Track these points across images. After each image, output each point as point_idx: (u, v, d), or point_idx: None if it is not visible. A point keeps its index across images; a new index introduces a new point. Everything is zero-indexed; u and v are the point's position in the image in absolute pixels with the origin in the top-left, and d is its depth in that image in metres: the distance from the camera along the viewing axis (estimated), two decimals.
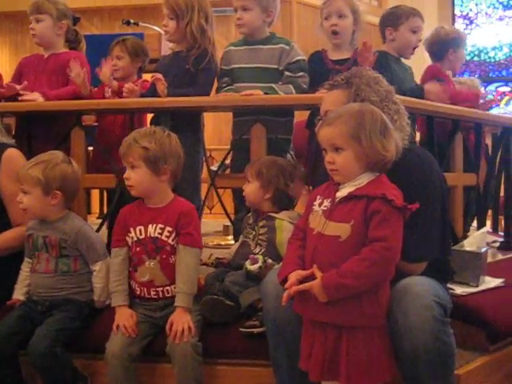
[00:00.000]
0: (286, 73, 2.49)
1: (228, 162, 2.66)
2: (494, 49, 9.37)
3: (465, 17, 9.19)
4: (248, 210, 2.16)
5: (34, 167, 1.93)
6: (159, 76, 2.40)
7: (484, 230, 2.30)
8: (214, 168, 2.75)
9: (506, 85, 9.45)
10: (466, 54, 9.16)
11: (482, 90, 3.86)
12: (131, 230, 1.90)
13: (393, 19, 2.87)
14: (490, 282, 2.25)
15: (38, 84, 2.64)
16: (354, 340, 1.45)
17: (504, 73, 9.44)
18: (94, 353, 1.89)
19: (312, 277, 1.46)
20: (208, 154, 4.76)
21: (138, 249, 1.89)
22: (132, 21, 3.93)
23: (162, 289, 1.88)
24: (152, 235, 1.87)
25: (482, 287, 2.18)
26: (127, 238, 1.91)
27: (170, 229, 1.87)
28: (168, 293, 1.88)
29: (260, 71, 2.53)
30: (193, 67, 2.47)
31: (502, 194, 3.29)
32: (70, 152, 2.37)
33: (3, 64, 6.98)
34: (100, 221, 2.67)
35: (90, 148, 2.85)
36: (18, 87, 2.56)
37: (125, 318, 1.83)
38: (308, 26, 5.94)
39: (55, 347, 1.79)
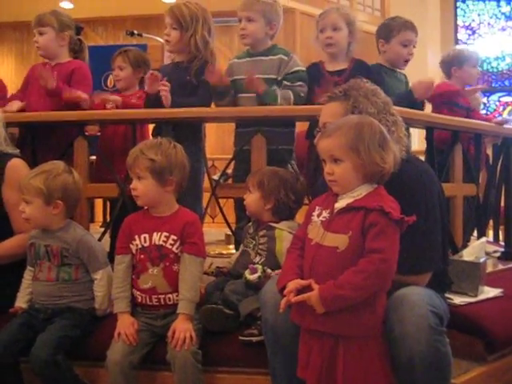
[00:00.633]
0: (284, 82, 2.52)
1: (230, 171, 2.68)
2: (496, 59, 9.40)
3: (467, 27, 9.23)
4: (249, 220, 2.18)
5: (35, 177, 1.96)
6: (165, 83, 2.43)
7: (483, 240, 2.31)
8: (216, 177, 2.77)
9: (509, 95, 9.46)
10: None
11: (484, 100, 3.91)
12: (136, 237, 1.93)
13: (385, 32, 2.91)
14: (489, 292, 2.27)
15: (43, 92, 2.66)
16: (350, 349, 1.46)
17: (507, 83, 9.46)
18: (95, 360, 1.90)
19: (310, 287, 1.48)
20: (211, 164, 4.80)
21: (142, 256, 1.91)
22: (136, 32, 3.98)
23: (163, 296, 1.90)
24: (157, 243, 1.90)
25: (480, 297, 2.20)
26: (131, 246, 1.94)
27: (174, 237, 1.90)
28: (170, 300, 1.90)
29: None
30: (194, 78, 2.50)
31: (502, 204, 3.31)
32: (73, 162, 2.40)
33: (9, 73, 7.05)
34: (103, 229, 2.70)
35: (93, 157, 2.87)
36: (17, 106, 2.61)
37: (126, 325, 1.86)
38: (311, 36, 5.96)
39: (57, 355, 1.81)
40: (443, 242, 1.75)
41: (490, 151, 3.49)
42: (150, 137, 2.68)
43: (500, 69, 9.48)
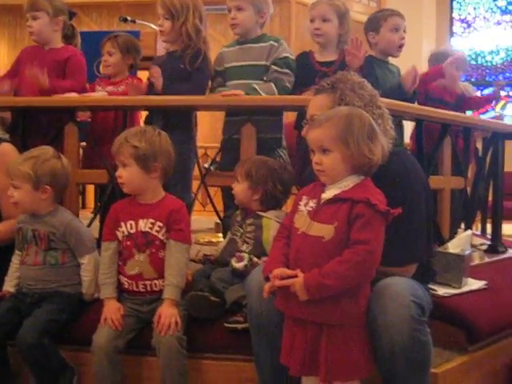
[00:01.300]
0: (273, 67, 2.53)
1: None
2: (491, 53, 9.41)
3: (463, 20, 9.22)
4: (237, 208, 2.20)
5: (24, 162, 1.97)
6: (156, 70, 2.44)
7: (469, 232, 2.34)
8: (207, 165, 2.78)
9: (502, 89, 9.49)
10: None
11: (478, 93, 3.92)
12: (122, 224, 1.94)
13: (373, 23, 2.91)
14: (473, 285, 2.29)
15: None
16: (333, 337, 1.48)
17: (501, 77, 9.49)
18: (82, 345, 1.92)
19: (295, 276, 1.49)
20: (204, 152, 4.81)
21: (128, 243, 1.93)
22: (129, 18, 3.96)
23: (150, 282, 1.92)
24: (143, 229, 1.92)
25: (464, 289, 2.22)
26: (118, 233, 1.95)
27: (160, 224, 1.92)
28: (156, 287, 1.92)
29: (249, 68, 2.58)
30: (188, 66, 2.50)
31: (490, 197, 3.34)
32: (64, 147, 2.40)
33: (1, 57, 6.99)
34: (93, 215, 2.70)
35: (84, 143, 2.87)
36: (8, 85, 2.60)
37: (112, 311, 1.87)
38: (306, 26, 5.98)
39: (43, 338, 1.82)
40: (428, 235, 1.77)
41: (479, 145, 3.52)
42: (142, 125, 2.69)
43: (494, 63, 9.50)
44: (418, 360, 1.52)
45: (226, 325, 1.88)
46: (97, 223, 2.50)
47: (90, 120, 2.89)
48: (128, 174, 1.91)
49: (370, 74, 2.41)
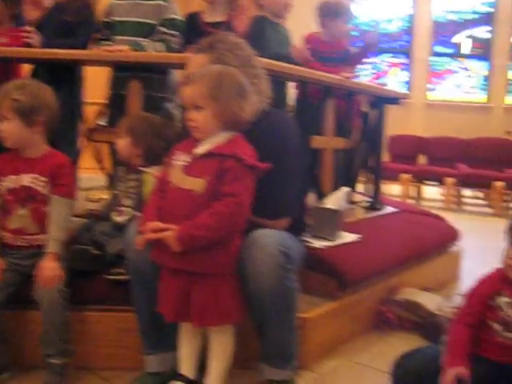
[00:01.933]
0: (161, 28, 2.53)
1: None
2: (387, 21, 9.77)
3: None
4: (121, 164, 2.22)
5: None
6: (27, 29, 2.37)
7: (345, 189, 2.49)
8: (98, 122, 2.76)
9: (396, 56, 9.91)
10: (362, 25, 9.54)
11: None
12: (4, 178, 1.91)
13: None
14: (347, 238, 2.47)
15: None
16: (204, 286, 1.57)
17: (395, 45, 9.88)
18: None
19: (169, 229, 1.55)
20: (92, 108, 4.69)
21: (10, 197, 1.90)
22: None
23: (31, 237, 1.91)
24: (25, 184, 1.90)
25: (338, 242, 2.39)
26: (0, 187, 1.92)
27: (43, 179, 1.90)
28: (37, 241, 1.91)
29: (138, 25, 2.57)
30: (73, 18, 2.45)
31: None
32: None
33: None
34: None
35: None
36: None
37: None
38: None
39: None
40: (301, 190, 1.89)
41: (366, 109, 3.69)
42: None
43: (389, 31, 9.87)
44: (284, 305, 1.64)
45: (108, 277, 1.92)
46: None
47: None
48: (9, 128, 1.87)
49: (259, 35, 2.47)
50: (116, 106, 2.52)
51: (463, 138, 7.28)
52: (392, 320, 2.37)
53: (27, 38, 2.36)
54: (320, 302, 2.14)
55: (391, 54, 9.93)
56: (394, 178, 6.86)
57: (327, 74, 2.79)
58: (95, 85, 2.82)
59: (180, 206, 1.57)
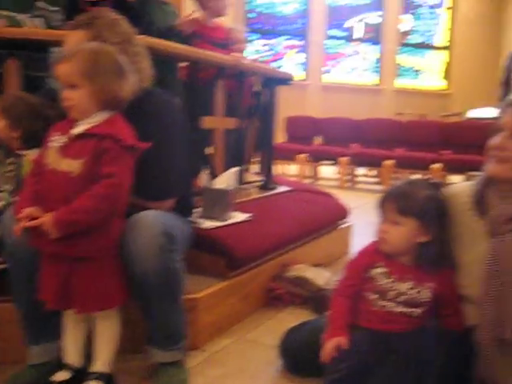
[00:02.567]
0: (40, 3, 2.41)
1: None
2: (284, 4, 9.90)
3: None
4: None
5: None
6: None
7: (235, 169, 2.50)
8: None
9: (293, 38, 10.09)
10: (258, 6, 9.60)
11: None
12: None
13: None
14: (238, 217, 2.49)
15: None
16: (85, 270, 1.52)
17: (291, 27, 10.05)
18: None
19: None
20: None
21: None
22: None
23: None
24: None
25: (229, 221, 2.40)
26: None
27: None
28: None
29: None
30: None
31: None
32: None
33: None
34: None
35: None
36: None
37: None
38: None
39: None
40: (186, 170, 1.87)
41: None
42: None
43: (285, 13, 10.01)
44: (169, 286, 1.63)
45: None
46: None
47: None
48: None
49: (143, 13, 2.41)
50: None
51: (356, 119, 7.56)
52: (283, 296, 2.42)
53: None
54: (211, 282, 2.14)
55: (287, 36, 10.09)
56: (291, 158, 7.02)
57: (217, 54, 2.78)
58: None
59: (57, 189, 1.51)
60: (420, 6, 11.01)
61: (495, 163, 1.50)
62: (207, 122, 2.76)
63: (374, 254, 1.63)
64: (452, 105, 10.63)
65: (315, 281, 2.47)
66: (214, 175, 2.79)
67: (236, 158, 3.18)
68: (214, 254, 2.21)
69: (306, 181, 7.03)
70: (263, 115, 3.41)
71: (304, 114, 8.25)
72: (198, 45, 3.12)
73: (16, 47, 2.23)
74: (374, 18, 10.75)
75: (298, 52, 10.16)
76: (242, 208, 2.63)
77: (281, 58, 9.96)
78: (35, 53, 2.35)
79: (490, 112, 7.70)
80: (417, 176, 5.87)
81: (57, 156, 1.53)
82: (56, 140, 1.56)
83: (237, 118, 3.06)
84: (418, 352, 1.55)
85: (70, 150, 1.52)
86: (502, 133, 1.49)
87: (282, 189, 3.44)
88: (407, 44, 11.02)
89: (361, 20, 10.67)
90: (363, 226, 3.62)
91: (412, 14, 10.97)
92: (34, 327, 1.73)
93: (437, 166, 6.28)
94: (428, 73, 11.24)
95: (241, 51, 3.27)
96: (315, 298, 2.38)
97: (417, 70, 11.18)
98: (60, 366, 1.67)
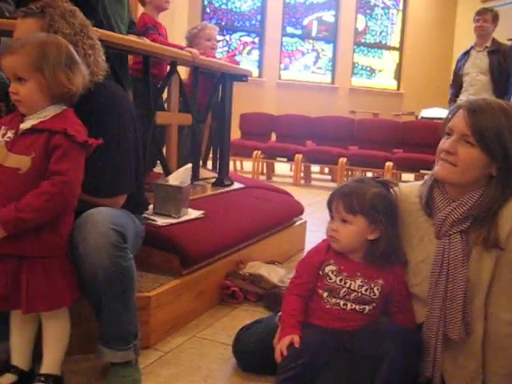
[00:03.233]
0: None
1: None
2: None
3: None
4: None
5: None
6: None
7: (188, 166, 2.47)
8: None
9: (249, 35, 10.08)
10: (215, 1, 9.54)
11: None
12: None
13: None
14: (192, 214, 2.47)
15: None
16: (34, 269, 1.47)
17: (247, 23, 10.04)
18: None
19: None
20: None
21: None
22: None
23: None
24: None
25: (183, 218, 2.38)
26: None
27: None
28: None
29: None
30: None
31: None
32: None
33: None
34: None
35: None
36: None
37: None
38: None
39: None
40: (137, 166, 1.83)
41: None
42: None
43: (243, 9, 9.99)
44: (120, 285, 1.59)
45: None
46: None
47: None
48: None
49: (96, 4, 2.36)
50: None
51: (312, 117, 7.61)
52: (237, 293, 2.42)
53: None
54: (164, 279, 2.11)
55: (243, 33, 10.08)
56: (247, 155, 7.01)
57: (172, 49, 2.75)
58: None
59: (3, 186, 1.46)
60: (376, 6, 11.18)
61: (443, 166, 1.52)
62: (161, 118, 2.72)
63: (325, 252, 1.64)
64: (403, 105, 10.86)
65: (270, 278, 2.47)
66: (167, 171, 2.77)
67: (191, 154, 3.16)
68: (168, 252, 2.18)
69: (261, 178, 7.04)
70: (219, 111, 3.40)
71: (261, 110, 8.25)
72: (152, 36, 3.09)
73: None
74: (328, 16, 10.84)
75: (253, 49, 10.16)
76: (196, 205, 2.60)
77: (237, 55, 9.93)
78: None
79: (441, 112, 7.90)
80: (369, 174, 5.97)
81: (4, 151, 1.48)
82: (3, 135, 1.51)
83: (192, 113, 3.03)
84: (369, 349, 1.58)
85: (18, 146, 1.47)
86: (451, 136, 1.52)
87: (237, 185, 3.43)
88: (363, 43, 11.17)
89: (316, 18, 10.74)
90: (317, 223, 3.66)
91: (367, 14, 11.12)
92: None
93: (389, 164, 6.40)
94: (382, 72, 11.42)
95: (212, 49, 3.27)
96: (269, 295, 2.38)
97: (372, 70, 11.34)
98: (7, 367, 1.62)
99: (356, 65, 11.15)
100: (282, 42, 10.34)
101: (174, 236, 2.20)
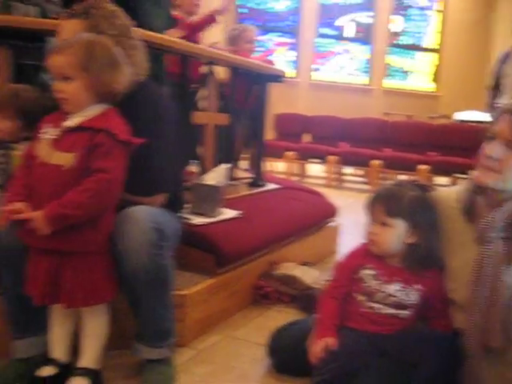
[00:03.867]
0: None
1: None
2: (275, 0, 9.87)
3: None
4: None
5: None
6: None
7: (225, 166, 2.49)
8: None
9: (283, 36, 10.08)
10: (250, 2, 9.56)
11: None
12: None
13: None
14: (228, 214, 2.48)
15: None
16: (74, 265, 1.50)
17: (282, 24, 10.03)
18: None
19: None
20: None
21: None
22: None
23: None
24: None
25: (218, 218, 2.40)
26: None
27: None
28: None
29: None
30: None
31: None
32: None
33: None
34: None
35: None
36: None
37: None
38: None
39: None
40: (179, 166, 1.86)
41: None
42: None
43: (276, 10, 9.99)
44: (158, 282, 1.61)
45: None
46: None
47: None
48: None
49: (139, 7, 2.39)
50: None
51: (345, 118, 7.57)
52: (271, 294, 2.42)
53: None
54: (199, 278, 2.13)
55: (278, 33, 10.08)
56: (279, 155, 7.01)
57: (209, 49, 2.76)
58: None
59: (48, 183, 1.49)
60: (410, 7, 11.05)
61: (485, 172, 1.49)
62: (198, 118, 2.74)
63: (364, 255, 1.63)
64: (439, 107, 10.71)
65: (303, 279, 2.47)
66: (204, 171, 2.78)
67: (226, 154, 3.18)
68: (203, 251, 2.20)
69: (294, 178, 7.03)
70: (254, 112, 3.41)
71: (294, 111, 8.24)
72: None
73: (7, 36, 2.20)
74: (364, 17, 10.77)
75: (288, 49, 10.16)
76: (231, 205, 2.62)
77: (271, 55, 9.94)
78: (28, 42, 2.32)
79: (476, 115, 7.77)
80: (403, 177, 5.90)
81: (48, 149, 1.51)
82: (48, 132, 1.54)
83: (228, 113, 3.04)
84: (405, 353, 1.56)
85: (62, 143, 1.50)
86: (496, 141, 1.48)
87: (271, 186, 3.43)
88: (397, 45, 11.06)
89: (352, 19, 10.68)
90: (350, 225, 3.64)
91: (402, 15, 11.01)
92: (21, 320, 1.70)
93: (423, 167, 6.32)
94: (416, 74, 11.29)
95: (251, 51, 3.30)
96: (303, 297, 2.38)
97: (406, 71, 11.22)
98: (46, 360, 1.65)
99: (390, 66, 11.05)
100: (316, 43, 10.31)
101: (209, 235, 2.22)
